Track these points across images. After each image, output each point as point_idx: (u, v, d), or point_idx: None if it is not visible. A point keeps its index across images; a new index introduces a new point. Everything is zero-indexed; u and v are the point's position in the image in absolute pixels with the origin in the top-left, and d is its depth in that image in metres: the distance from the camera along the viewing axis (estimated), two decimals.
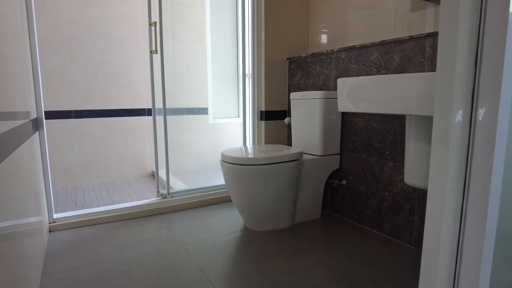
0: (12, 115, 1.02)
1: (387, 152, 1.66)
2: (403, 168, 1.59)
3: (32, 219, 1.25)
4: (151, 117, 3.12)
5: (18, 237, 0.97)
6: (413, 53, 1.48)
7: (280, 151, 1.77)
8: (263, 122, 2.27)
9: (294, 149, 1.83)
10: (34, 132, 1.54)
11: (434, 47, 1.38)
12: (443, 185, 0.68)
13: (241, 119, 2.51)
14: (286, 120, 2.23)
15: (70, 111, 2.71)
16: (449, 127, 0.65)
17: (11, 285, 0.83)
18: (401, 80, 1.06)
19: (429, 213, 0.71)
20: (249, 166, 1.63)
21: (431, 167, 0.69)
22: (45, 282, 1.29)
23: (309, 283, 1.28)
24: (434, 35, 1.37)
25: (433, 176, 0.68)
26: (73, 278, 1.32)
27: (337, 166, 1.94)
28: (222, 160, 1.73)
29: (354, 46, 1.77)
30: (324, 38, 2.16)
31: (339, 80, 1.32)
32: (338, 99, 1.32)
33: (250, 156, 1.65)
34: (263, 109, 2.26)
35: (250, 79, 2.30)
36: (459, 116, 0.63)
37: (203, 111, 3.11)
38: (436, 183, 0.68)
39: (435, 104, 0.66)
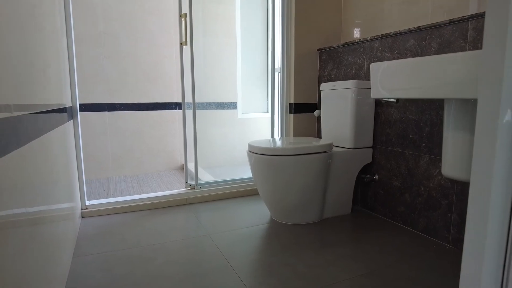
0: (45, 106, 1.05)
1: (423, 144, 1.57)
2: (440, 161, 1.50)
3: (65, 205, 1.29)
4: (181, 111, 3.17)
5: (51, 221, 1.00)
6: (453, 38, 1.39)
7: (309, 142, 1.72)
8: (291, 115, 2.23)
9: (324, 140, 1.77)
10: (68, 120, 1.59)
11: (478, 30, 1.29)
12: (489, 175, 0.61)
13: (269, 114, 2.49)
14: (316, 112, 2.17)
15: (104, 104, 2.80)
16: (497, 111, 0.58)
17: (44, 264, 0.85)
18: (439, 61, 0.98)
19: (471, 208, 0.64)
20: (277, 157, 1.59)
21: (475, 154, 0.62)
22: (76, 263, 1.32)
23: (337, 277, 1.23)
24: (478, 16, 1.28)
25: (476, 164, 0.62)
26: (101, 261, 1.34)
27: (369, 160, 1.86)
28: (249, 151, 1.70)
29: (389, 33, 1.69)
30: (356, 27, 2.09)
31: (372, 65, 1.26)
32: (371, 85, 1.26)
33: (278, 146, 1.62)
34: (292, 102, 2.21)
35: (280, 73, 2.26)
36: (508, 102, 0.56)
37: (232, 105, 3.11)
38: (480, 172, 0.61)
39: (479, 86, 0.59)
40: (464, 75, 0.92)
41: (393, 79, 1.16)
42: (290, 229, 1.68)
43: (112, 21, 2.77)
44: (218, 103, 3.05)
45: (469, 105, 1.04)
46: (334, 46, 2.07)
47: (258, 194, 2.28)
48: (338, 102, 1.85)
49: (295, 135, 2.24)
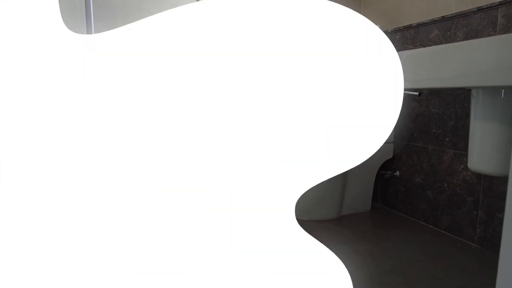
0: None
1: (447, 139, 1.51)
2: (465, 156, 1.43)
3: None
4: None
5: None
6: (481, 27, 1.32)
7: None
8: None
9: None
10: None
11: (509, 17, 1.22)
12: None
13: None
14: None
15: None
16: None
17: None
18: (467, 47, 0.93)
19: (509, 204, 0.59)
20: None
21: None
22: None
23: (355, 273, 1.19)
24: (508, 3, 1.21)
25: None
26: None
27: (390, 156, 1.81)
28: None
29: (411, 25, 1.63)
30: (376, 20, 2.03)
31: None
32: None
33: None
34: None
35: None
36: None
37: None
38: None
39: None
40: (494, 61, 0.86)
41: (416, 69, 1.12)
42: (306, 224, 1.64)
43: (131, 22, 2.80)
44: None
45: (500, 93, 0.98)
46: None
47: None
48: None
49: None
